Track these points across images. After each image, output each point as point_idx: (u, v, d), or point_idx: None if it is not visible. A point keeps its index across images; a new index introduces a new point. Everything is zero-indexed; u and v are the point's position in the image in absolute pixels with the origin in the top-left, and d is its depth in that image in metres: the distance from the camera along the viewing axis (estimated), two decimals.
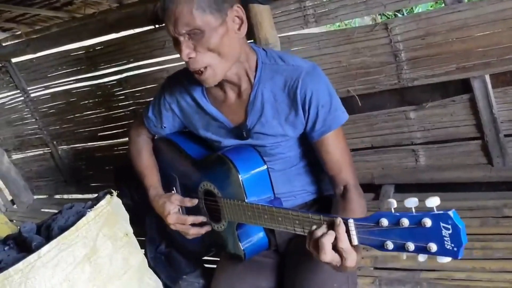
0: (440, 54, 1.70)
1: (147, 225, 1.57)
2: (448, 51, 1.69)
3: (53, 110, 2.79)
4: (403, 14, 4.35)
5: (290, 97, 1.13)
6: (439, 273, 1.43)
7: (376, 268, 1.53)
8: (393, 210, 0.78)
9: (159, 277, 1.45)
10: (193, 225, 1.26)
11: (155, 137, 1.45)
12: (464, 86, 1.75)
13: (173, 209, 1.25)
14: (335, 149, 1.16)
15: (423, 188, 1.92)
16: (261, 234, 1.22)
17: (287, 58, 1.17)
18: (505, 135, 1.75)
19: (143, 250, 1.46)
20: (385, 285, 1.45)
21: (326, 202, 1.27)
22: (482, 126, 1.76)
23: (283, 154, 1.22)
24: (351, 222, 0.84)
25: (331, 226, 0.87)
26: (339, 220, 0.85)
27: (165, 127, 1.36)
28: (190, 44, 1.04)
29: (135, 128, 1.46)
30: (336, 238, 0.85)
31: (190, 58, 1.05)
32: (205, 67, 1.07)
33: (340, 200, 1.15)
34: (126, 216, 1.32)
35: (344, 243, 0.85)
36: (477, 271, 1.40)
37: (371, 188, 2.02)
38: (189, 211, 1.28)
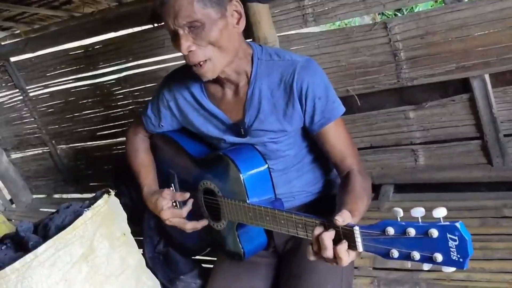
0: (440, 53, 1.70)
1: (145, 224, 1.56)
2: (447, 50, 1.68)
3: (52, 109, 2.77)
4: (403, 13, 4.34)
5: (287, 91, 1.14)
6: (438, 274, 1.42)
7: (375, 268, 1.52)
8: (399, 219, 0.78)
9: (157, 277, 1.44)
10: (189, 219, 1.25)
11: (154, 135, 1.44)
12: (464, 86, 1.74)
13: (166, 204, 1.23)
14: (336, 139, 1.16)
15: (423, 188, 1.90)
16: (261, 234, 1.22)
17: (283, 54, 1.17)
18: (505, 135, 1.74)
19: (141, 249, 1.45)
20: (384, 285, 1.44)
21: (326, 203, 1.25)
22: (481, 126, 1.75)
23: (283, 152, 1.21)
24: (356, 230, 0.83)
25: (332, 226, 0.87)
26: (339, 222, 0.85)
27: (162, 125, 1.36)
28: (190, 37, 1.03)
29: (133, 128, 1.46)
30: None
31: (190, 51, 1.05)
32: (205, 61, 1.07)
33: (342, 183, 1.16)
34: (123, 215, 1.31)
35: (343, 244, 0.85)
36: (476, 271, 1.39)
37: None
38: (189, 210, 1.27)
